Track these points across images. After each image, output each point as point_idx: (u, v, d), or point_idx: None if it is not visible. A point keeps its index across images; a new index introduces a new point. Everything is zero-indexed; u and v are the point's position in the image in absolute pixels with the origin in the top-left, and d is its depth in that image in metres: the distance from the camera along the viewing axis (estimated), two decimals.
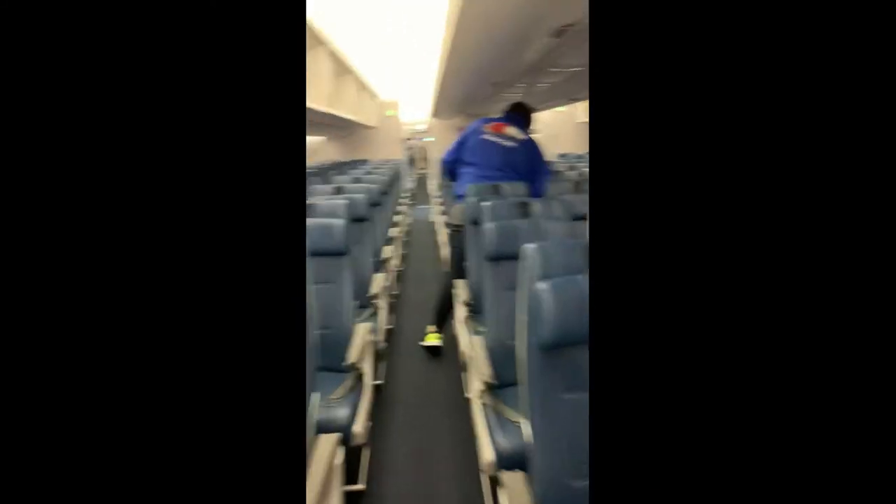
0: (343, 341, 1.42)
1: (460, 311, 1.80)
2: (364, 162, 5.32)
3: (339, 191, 2.38)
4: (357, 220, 2.01)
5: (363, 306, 1.85)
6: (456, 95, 4.05)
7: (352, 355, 1.33)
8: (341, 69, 3.87)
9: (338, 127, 4.69)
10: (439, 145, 6.11)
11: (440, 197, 4.95)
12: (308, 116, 3.09)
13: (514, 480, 0.83)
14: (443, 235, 3.63)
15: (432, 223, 5.89)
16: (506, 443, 1.04)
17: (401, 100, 7.13)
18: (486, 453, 1.04)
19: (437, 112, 5.46)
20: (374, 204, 2.52)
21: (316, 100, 2.77)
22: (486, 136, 2.15)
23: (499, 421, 1.10)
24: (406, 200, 5.27)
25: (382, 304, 2.03)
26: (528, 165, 2.16)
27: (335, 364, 1.35)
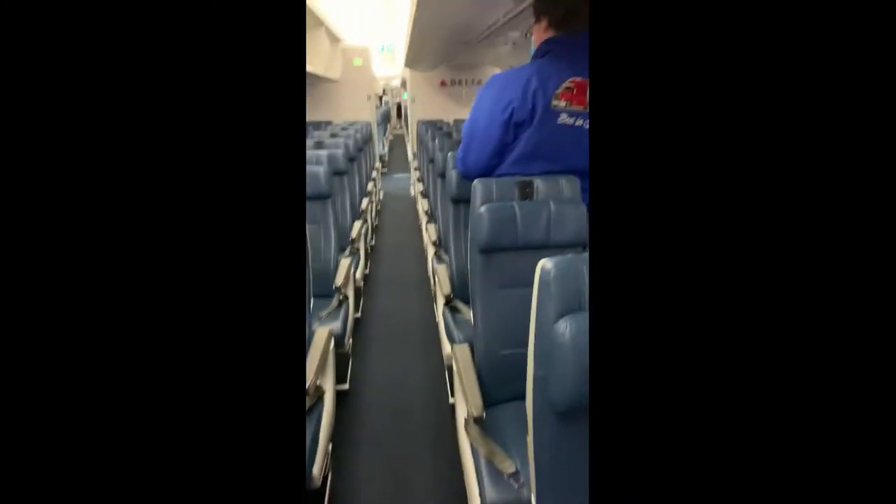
0: (329, 274, 1.74)
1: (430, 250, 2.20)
2: (322, 125, 4.15)
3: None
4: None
5: (343, 248, 2.10)
6: (433, 47, 3.02)
7: (338, 280, 1.66)
8: None
9: None
10: (419, 105, 4.95)
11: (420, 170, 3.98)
12: None
13: (462, 350, 1.19)
14: (425, 220, 2.76)
15: (413, 200, 4.92)
16: (460, 334, 1.46)
17: (371, 47, 5.85)
18: (445, 345, 1.53)
19: (412, 62, 4.32)
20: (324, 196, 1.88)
21: None
22: (564, 119, 1.14)
23: (454, 319, 1.53)
24: (376, 172, 4.27)
25: (360, 248, 2.38)
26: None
27: (323, 292, 1.69)
